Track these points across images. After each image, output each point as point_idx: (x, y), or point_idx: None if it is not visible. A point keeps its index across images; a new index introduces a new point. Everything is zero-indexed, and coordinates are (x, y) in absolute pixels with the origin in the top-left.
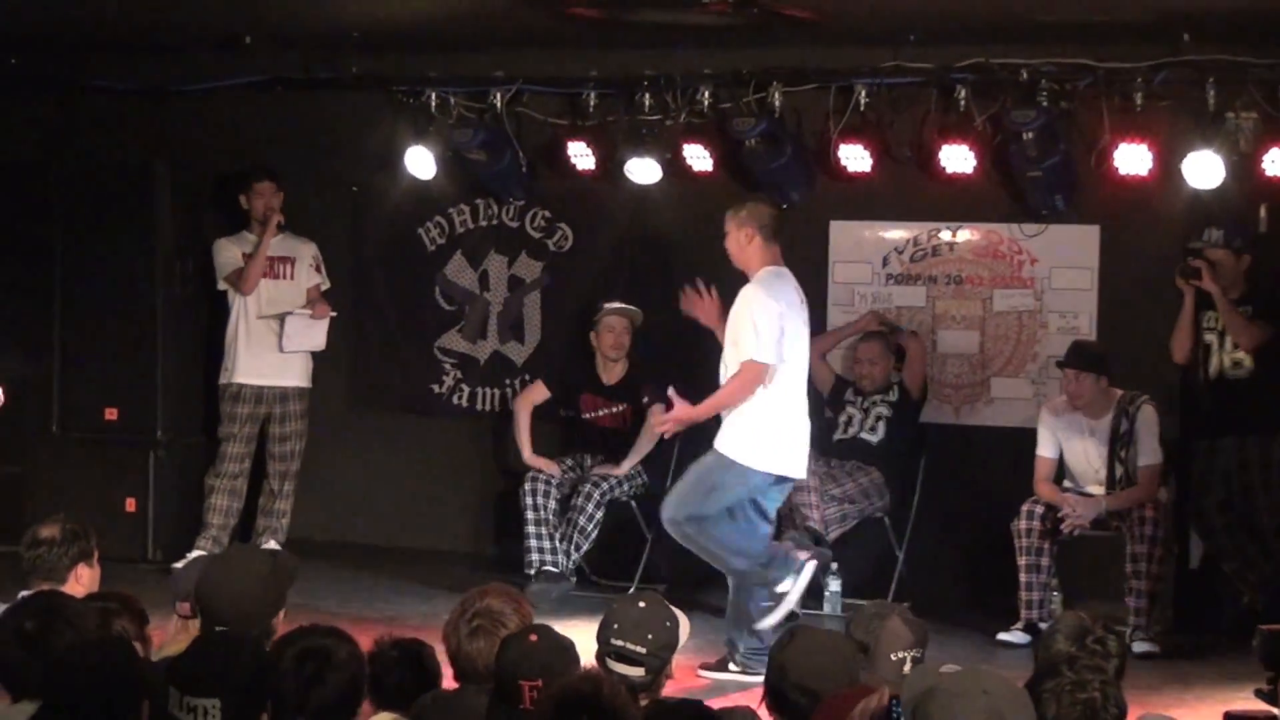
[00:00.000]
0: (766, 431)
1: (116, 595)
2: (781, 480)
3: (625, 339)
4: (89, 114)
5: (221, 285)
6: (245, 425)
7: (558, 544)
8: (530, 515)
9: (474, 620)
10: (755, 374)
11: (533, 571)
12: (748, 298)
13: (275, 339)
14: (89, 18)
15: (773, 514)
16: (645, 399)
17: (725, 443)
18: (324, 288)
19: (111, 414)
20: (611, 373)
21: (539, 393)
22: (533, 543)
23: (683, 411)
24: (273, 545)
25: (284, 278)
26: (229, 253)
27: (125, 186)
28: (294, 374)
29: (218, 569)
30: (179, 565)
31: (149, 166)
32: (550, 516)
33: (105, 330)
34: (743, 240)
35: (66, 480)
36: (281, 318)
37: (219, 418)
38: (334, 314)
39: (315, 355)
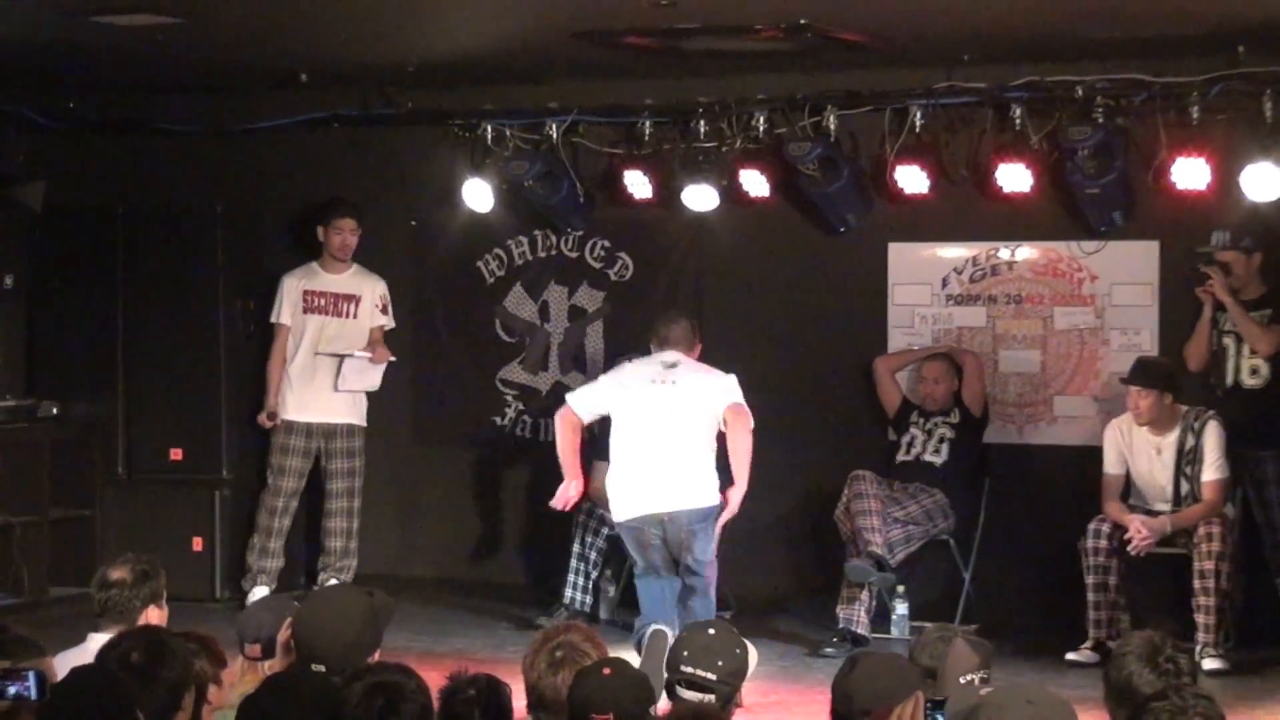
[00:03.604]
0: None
1: (196, 636)
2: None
3: None
4: (149, 156)
5: (274, 318)
6: (295, 458)
7: (590, 584)
8: (575, 549)
9: (557, 651)
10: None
11: (565, 603)
12: None
13: (330, 377)
14: (148, 60)
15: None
16: None
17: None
18: (388, 328)
19: (177, 454)
20: None
21: (605, 472)
22: (570, 577)
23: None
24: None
25: (347, 316)
26: (290, 295)
27: (186, 227)
28: (343, 411)
29: (317, 607)
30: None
31: (210, 207)
32: (593, 555)
33: (169, 371)
34: None
35: (134, 521)
36: (341, 358)
37: (269, 453)
38: (393, 358)
39: (375, 390)
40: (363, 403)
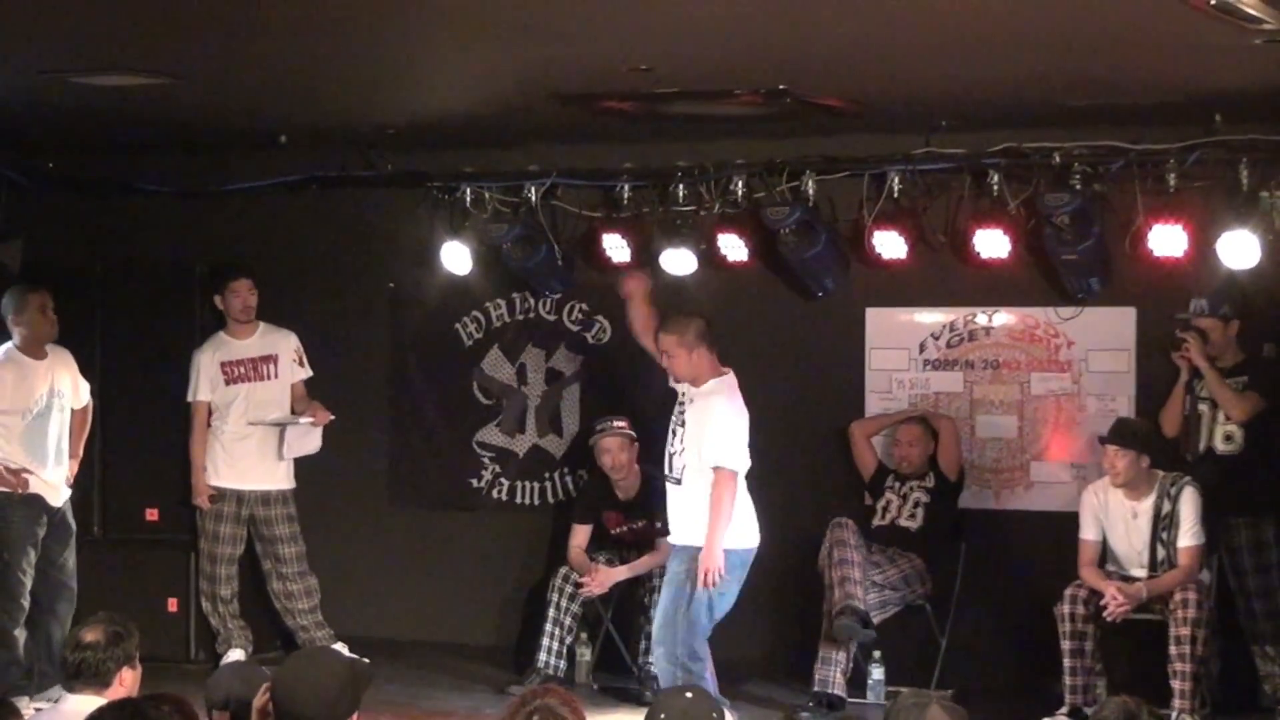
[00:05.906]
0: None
1: (171, 699)
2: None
3: (623, 456)
4: (127, 216)
5: (190, 397)
6: (227, 524)
7: (565, 648)
8: (551, 613)
9: (534, 715)
10: (733, 480)
11: (539, 666)
12: (720, 408)
13: (268, 445)
14: (127, 120)
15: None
16: (659, 524)
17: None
18: (308, 378)
19: (152, 514)
20: (624, 489)
21: (583, 535)
22: (544, 640)
23: (708, 559)
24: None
25: (268, 378)
26: (207, 370)
27: (164, 287)
28: (280, 478)
29: (299, 665)
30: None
31: (188, 267)
32: (567, 620)
33: (145, 431)
34: (693, 358)
35: (109, 582)
36: (282, 427)
37: (200, 519)
38: (332, 417)
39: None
40: (291, 465)
